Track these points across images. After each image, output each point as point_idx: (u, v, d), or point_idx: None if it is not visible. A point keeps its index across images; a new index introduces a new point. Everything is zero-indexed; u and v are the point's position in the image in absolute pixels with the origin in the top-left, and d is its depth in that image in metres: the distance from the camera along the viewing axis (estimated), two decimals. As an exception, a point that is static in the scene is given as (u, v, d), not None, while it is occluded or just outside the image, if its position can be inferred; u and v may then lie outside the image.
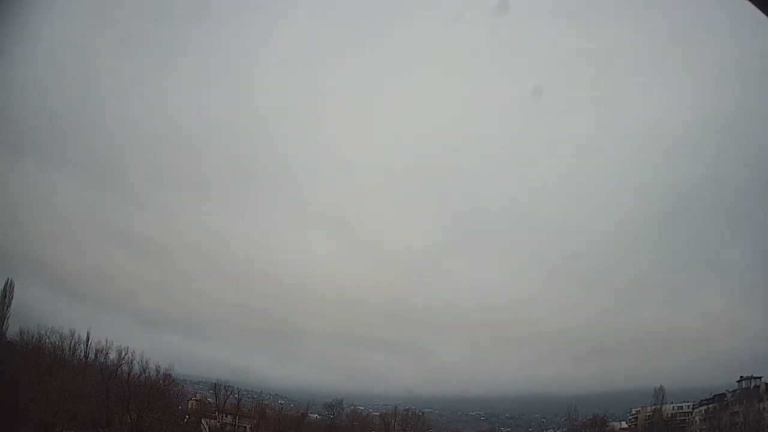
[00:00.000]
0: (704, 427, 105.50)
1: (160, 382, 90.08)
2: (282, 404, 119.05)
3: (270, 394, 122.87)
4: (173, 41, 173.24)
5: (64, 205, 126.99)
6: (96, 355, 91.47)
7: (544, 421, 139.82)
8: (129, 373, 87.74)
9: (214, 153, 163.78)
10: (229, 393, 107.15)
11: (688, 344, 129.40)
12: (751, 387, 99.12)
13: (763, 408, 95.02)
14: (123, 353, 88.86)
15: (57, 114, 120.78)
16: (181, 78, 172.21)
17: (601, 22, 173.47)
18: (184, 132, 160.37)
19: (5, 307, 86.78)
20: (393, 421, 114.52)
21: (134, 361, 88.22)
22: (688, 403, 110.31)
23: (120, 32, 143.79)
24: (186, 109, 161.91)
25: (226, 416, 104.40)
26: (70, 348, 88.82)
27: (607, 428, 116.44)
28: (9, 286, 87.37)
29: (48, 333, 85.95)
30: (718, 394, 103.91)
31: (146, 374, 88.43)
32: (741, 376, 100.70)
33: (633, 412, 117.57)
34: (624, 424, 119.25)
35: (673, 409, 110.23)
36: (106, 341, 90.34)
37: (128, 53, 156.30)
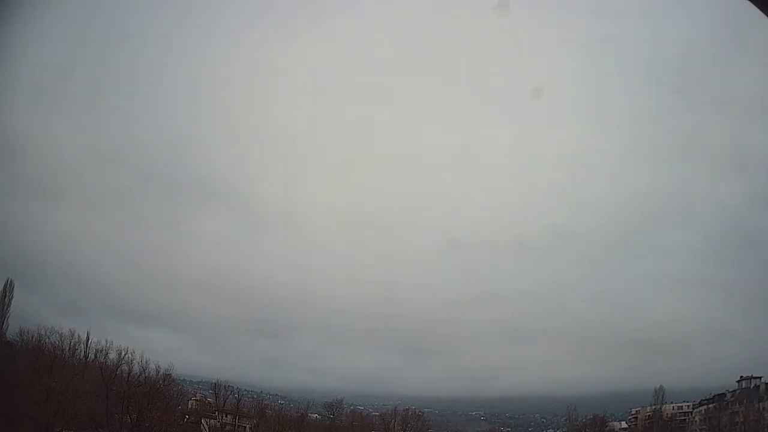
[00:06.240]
0: (704, 427, 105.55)
1: (160, 382, 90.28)
2: (282, 404, 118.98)
3: (270, 394, 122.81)
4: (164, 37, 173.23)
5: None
6: (96, 355, 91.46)
7: (544, 421, 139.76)
8: (129, 373, 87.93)
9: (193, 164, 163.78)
10: (229, 393, 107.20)
11: (688, 345, 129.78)
12: (751, 387, 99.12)
13: (763, 408, 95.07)
14: (123, 353, 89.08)
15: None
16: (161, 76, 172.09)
17: (600, 23, 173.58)
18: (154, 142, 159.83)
19: (5, 307, 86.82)
20: (393, 421, 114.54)
21: (134, 361, 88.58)
22: (688, 403, 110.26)
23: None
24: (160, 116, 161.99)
25: (226, 416, 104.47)
26: (70, 348, 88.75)
27: (607, 428, 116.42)
28: (9, 286, 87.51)
29: (48, 333, 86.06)
30: (718, 394, 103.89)
31: (146, 374, 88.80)
32: (741, 376, 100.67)
33: (633, 412, 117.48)
34: (624, 424, 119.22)
35: (673, 409, 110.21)
36: (106, 341, 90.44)
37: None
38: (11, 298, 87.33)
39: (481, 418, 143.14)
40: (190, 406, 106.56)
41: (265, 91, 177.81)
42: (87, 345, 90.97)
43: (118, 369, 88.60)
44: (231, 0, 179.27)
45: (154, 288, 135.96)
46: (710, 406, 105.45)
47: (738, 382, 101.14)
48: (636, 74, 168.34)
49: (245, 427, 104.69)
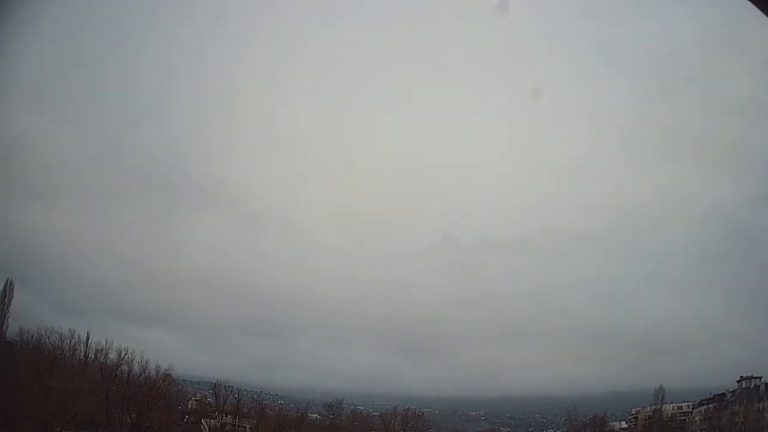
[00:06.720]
0: (704, 427, 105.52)
1: (160, 382, 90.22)
2: (282, 404, 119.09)
3: (270, 394, 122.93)
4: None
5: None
6: (96, 355, 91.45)
7: (544, 421, 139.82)
8: (129, 373, 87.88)
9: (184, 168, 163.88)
10: (229, 393, 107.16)
11: (688, 345, 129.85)
12: (751, 387, 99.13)
13: (763, 408, 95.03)
14: (123, 353, 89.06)
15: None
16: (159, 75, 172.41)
17: (600, 24, 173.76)
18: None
19: (5, 307, 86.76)
20: (393, 421, 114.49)
21: (134, 361, 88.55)
22: (688, 403, 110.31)
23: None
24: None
25: (226, 416, 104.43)
26: (69, 348, 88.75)
27: (607, 428, 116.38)
28: (9, 286, 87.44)
29: (48, 333, 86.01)
30: (718, 394, 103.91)
31: (146, 374, 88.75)
32: (741, 376, 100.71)
33: (633, 412, 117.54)
34: (624, 424, 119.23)
35: (673, 409, 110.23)
36: (106, 341, 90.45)
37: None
38: (11, 298, 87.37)
39: (481, 418, 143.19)
40: (190, 406, 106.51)
41: (266, 92, 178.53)
42: (87, 345, 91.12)
43: (118, 369, 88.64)
44: (231, 2, 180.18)
45: (154, 288, 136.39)
46: (710, 406, 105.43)
47: (738, 382, 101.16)
48: (636, 75, 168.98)
49: (245, 427, 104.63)
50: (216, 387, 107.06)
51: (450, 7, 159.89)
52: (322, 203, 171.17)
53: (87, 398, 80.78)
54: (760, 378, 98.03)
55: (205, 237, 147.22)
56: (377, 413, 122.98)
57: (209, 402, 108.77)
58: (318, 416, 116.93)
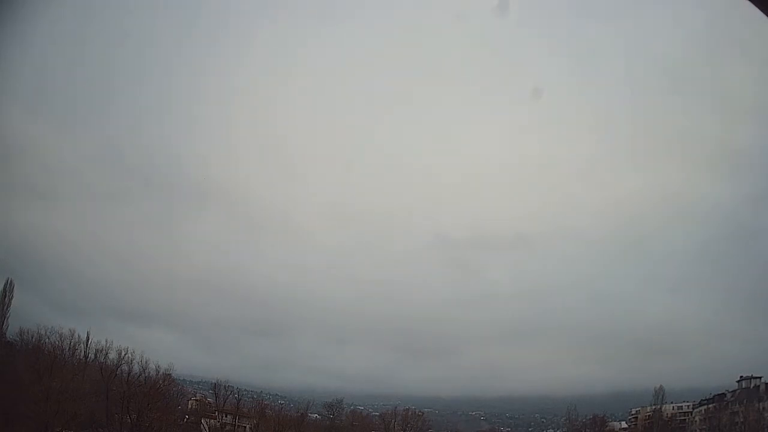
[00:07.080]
0: (704, 427, 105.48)
1: (160, 382, 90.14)
2: (282, 404, 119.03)
3: (270, 394, 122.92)
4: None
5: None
6: (96, 355, 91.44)
7: (544, 421, 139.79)
8: (129, 373, 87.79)
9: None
10: (229, 393, 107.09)
11: (688, 345, 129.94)
12: (751, 387, 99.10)
13: (763, 408, 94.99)
14: (123, 353, 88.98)
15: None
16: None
17: (598, 25, 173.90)
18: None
19: (5, 307, 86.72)
20: (393, 421, 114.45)
21: (134, 361, 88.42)
22: (688, 403, 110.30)
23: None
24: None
25: (226, 416, 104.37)
26: (69, 348, 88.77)
27: (607, 428, 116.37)
28: (9, 286, 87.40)
29: (48, 333, 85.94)
30: (718, 394, 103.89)
31: (146, 374, 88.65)
32: (741, 376, 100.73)
33: (633, 412, 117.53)
34: (624, 424, 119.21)
35: (673, 409, 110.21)
36: (106, 341, 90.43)
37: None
38: (11, 298, 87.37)
39: (481, 418, 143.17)
40: (190, 406, 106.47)
41: (266, 93, 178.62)
42: (87, 345, 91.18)
43: (118, 369, 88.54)
44: (231, 2, 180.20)
45: (154, 288, 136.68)
46: (710, 406, 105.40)
47: (738, 382, 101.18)
48: (636, 75, 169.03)
49: (245, 427, 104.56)
50: (216, 387, 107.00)
51: (450, 7, 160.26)
52: (322, 203, 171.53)
53: (87, 398, 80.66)
54: (760, 378, 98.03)
55: (205, 237, 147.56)
56: (377, 413, 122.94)
57: (209, 402, 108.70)
58: (318, 416, 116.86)
